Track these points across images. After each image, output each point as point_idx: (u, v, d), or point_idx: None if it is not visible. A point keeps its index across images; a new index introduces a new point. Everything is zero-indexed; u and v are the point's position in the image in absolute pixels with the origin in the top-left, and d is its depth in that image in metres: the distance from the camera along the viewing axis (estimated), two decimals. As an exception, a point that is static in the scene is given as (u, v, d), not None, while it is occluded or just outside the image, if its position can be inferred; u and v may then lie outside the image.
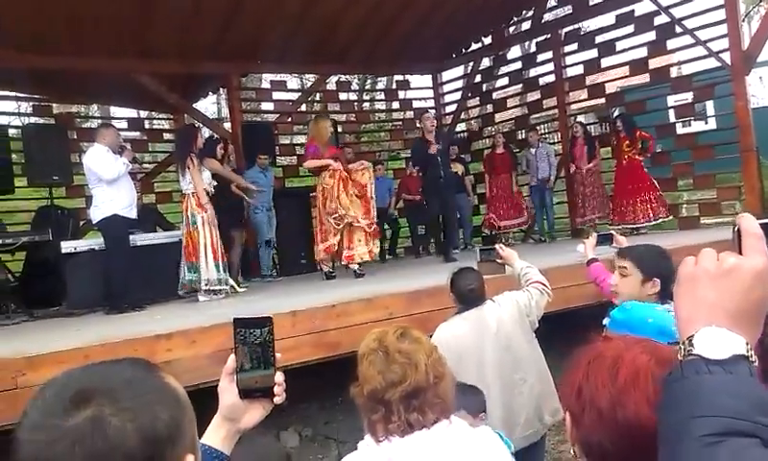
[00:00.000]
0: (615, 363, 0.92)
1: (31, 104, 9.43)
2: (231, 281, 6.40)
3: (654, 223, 8.13)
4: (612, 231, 3.91)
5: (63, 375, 0.76)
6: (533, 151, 9.11)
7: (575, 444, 0.95)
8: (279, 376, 1.06)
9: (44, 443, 0.69)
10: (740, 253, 0.74)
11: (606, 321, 1.70)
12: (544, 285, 3.19)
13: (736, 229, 0.75)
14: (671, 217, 8.34)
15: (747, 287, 0.72)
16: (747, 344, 0.71)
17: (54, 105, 9.47)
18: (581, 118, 9.64)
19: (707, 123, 9.94)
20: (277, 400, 1.06)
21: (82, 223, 8.01)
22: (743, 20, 10.08)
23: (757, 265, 0.72)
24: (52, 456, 0.68)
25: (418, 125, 7.31)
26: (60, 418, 0.70)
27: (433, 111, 11.05)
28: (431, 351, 1.66)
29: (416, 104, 11.88)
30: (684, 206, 9.46)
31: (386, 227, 9.36)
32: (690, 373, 0.70)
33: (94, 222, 5.79)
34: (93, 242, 6.24)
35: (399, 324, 1.84)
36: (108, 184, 5.53)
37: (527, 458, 2.93)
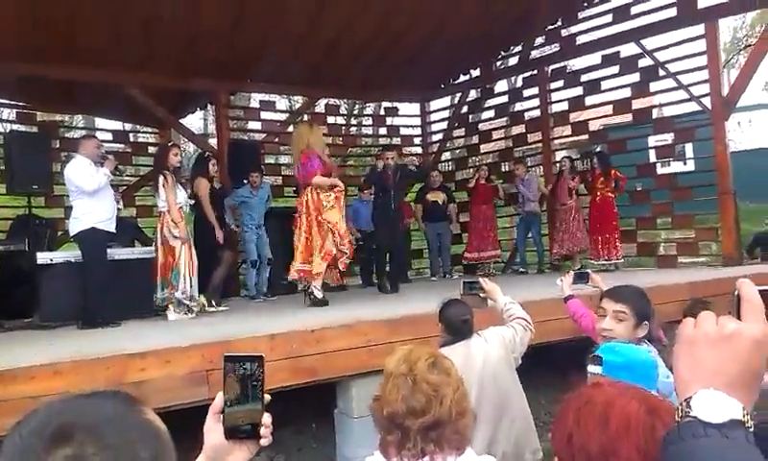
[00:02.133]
0: (606, 410, 0.93)
1: (14, 110, 9.33)
2: (203, 299, 6.33)
3: (608, 263, 8.23)
4: (588, 270, 3.96)
5: (43, 408, 0.73)
6: (521, 183, 9.20)
7: None
8: (267, 418, 1.04)
9: None
10: (739, 318, 0.76)
11: (594, 368, 1.69)
12: (528, 321, 3.20)
13: (736, 294, 0.77)
14: (621, 259, 8.43)
15: (745, 353, 0.73)
16: (744, 409, 0.72)
17: (38, 113, 9.38)
18: (564, 153, 9.79)
19: (685, 164, 10.16)
20: (263, 442, 1.04)
21: (59, 233, 7.90)
22: (723, 67, 10.36)
23: (756, 333, 0.74)
24: None
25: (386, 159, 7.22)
26: (38, 456, 0.67)
27: (419, 139, 11.18)
28: (458, 385, 1.64)
29: (403, 130, 11.99)
30: (662, 244, 9.60)
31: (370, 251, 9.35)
32: (687, 435, 0.71)
33: (72, 234, 5.70)
34: (69, 254, 6.15)
35: (431, 350, 1.80)
36: (89, 196, 5.47)
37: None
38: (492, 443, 2.94)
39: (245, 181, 7.95)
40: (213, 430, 1.04)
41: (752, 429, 0.71)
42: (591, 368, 1.69)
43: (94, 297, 5.47)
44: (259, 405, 1.03)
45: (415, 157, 9.11)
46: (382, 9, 8.35)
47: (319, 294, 5.90)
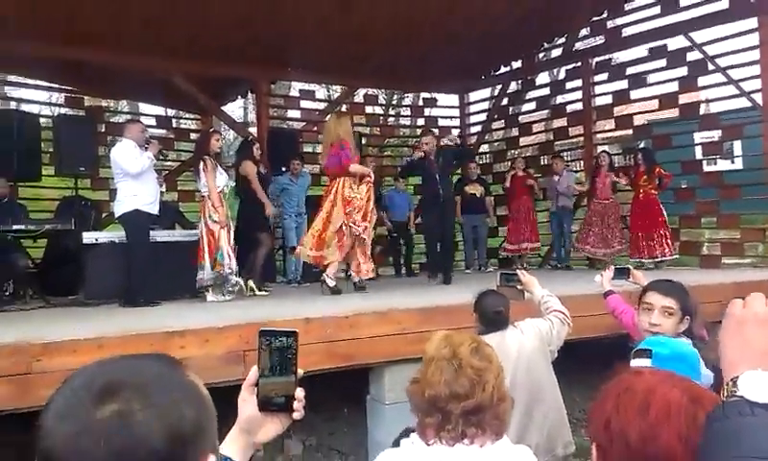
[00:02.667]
0: (647, 397, 0.92)
1: (63, 95, 9.62)
2: (251, 284, 6.46)
3: (660, 260, 8.04)
4: (629, 266, 3.89)
5: (93, 365, 0.76)
6: (556, 178, 9.08)
7: None
8: (300, 391, 1.05)
9: (70, 434, 0.68)
10: None
11: (642, 361, 1.65)
12: (565, 315, 3.16)
13: None
14: (676, 256, 8.21)
15: None
16: None
17: (85, 97, 9.65)
18: (605, 148, 9.59)
19: (733, 162, 9.85)
20: (296, 415, 1.06)
21: (104, 215, 8.13)
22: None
23: None
24: (77, 448, 0.67)
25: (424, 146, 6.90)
26: (86, 409, 0.69)
27: (457, 131, 11.10)
28: (499, 371, 1.65)
29: (441, 122, 11.92)
30: (706, 244, 9.33)
31: (402, 242, 9.37)
32: (733, 413, 0.70)
33: (117, 215, 5.86)
34: (114, 234, 6.32)
35: (472, 335, 1.82)
36: (133, 179, 5.61)
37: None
38: (525, 434, 2.93)
39: (284, 169, 8.04)
40: (247, 402, 1.06)
41: None
42: (639, 362, 1.65)
43: (137, 277, 5.62)
44: (293, 378, 1.04)
45: (456, 137, 8.91)
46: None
47: (331, 282, 5.93)
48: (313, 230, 6.07)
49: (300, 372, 1.05)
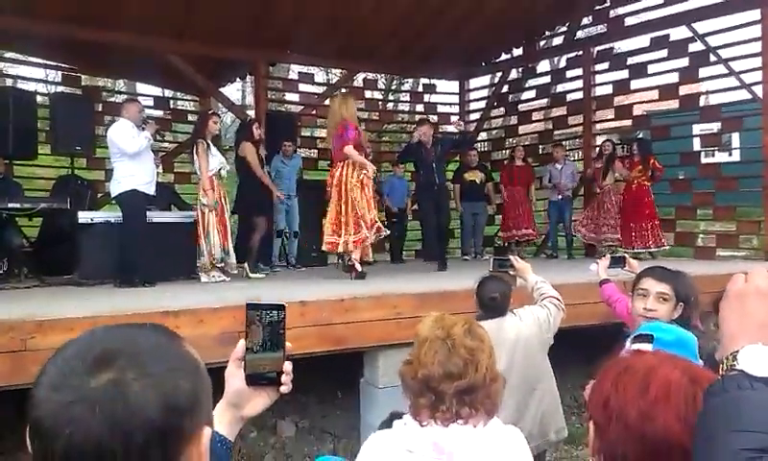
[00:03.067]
0: (647, 377, 0.91)
1: (60, 73, 9.54)
2: (246, 266, 6.45)
3: (652, 250, 8.05)
4: (624, 255, 3.90)
5: (86, 334, 0.74)
6: (558, 167, 9.06)
7: (596, 454, 0.94)
8: (288, 365, 1.04)
9: (64, 403, 0.67)
10: None
11: (643, 345, 1.64)
12: (559, 300, 3.17)
13: None
14: (666, 247, 8.21)
15: None
16: None
17: (82, 76, 9.57)
18: (611, 137, 9.54)
19: (730, 155, 9.85)
20: (284, 388, 1.04)
21: (100, 195, 8.10)
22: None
23: None
24: (70, 417, 0.66)
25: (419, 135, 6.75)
26: (81, 378, 0.68)
27: (457, 117, 11.05)
28: (491, 352, 1.66)
29: (440, 108, 11.88)
30: (701, 235, 9.35)
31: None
32: (732, 387, 0.70)
33: (113, 195, 5.82)
34: (109, 214, 6.30)
35: (466, 317, 1.82)
36: (130, 159, 5.57)
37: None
38: (519, 419, 2.95)
39: (278, 152, 7.99)
40: (234, 376, 1.04)
41: None
42: (639, 347, 1.64)
43: (131, 257, 5.60)
44: (281, 353, 1.03)
45: (460, 122, 8.78)
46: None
47: (358, 267, 5.83)
48: (327, 220, 5.90)
49: (289, 345, 1.04)
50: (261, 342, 1.03)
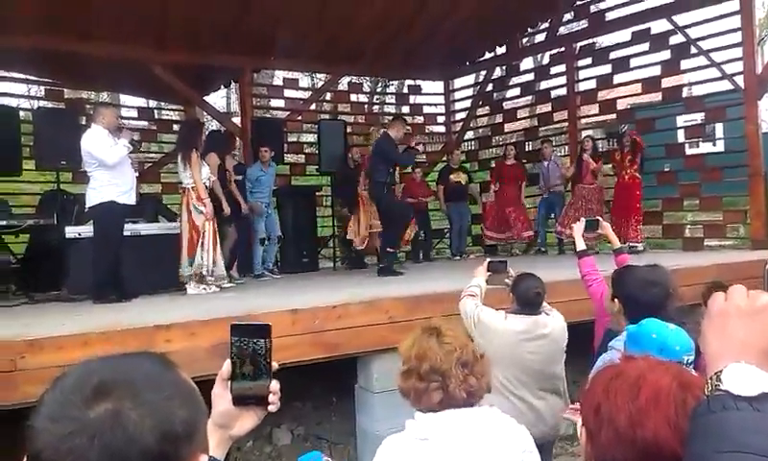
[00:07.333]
0: (637, 382, 0.92)
1: (42, 87, 9.46)
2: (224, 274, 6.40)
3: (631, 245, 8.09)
4: (598, 218, 3.96)
5: (82, 365, 0.75)
6: (545, 163, 9.08)
7: (588, 460, 0.94)
8: (275, 384, 1.04)
9: (63, 434, 0.68)
10: None
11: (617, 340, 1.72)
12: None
13: (767, 267, 0.76)
14: (640, 244, 8.23)
15: None
16: None
17: (65, 90, 9.49)
18: (589, 132, 9.61)
19: (715, 145, 9.92)
20: (272, 408, 1.04)
21: (86, 209, 8.02)
22: (758, 45, 10.05)
23: None
24: (69, 448, 0.67)
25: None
26: (79, 409, 0.69)
27: (443, 118, 11.08)
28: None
29: (426, 109, 11.89)
30: (689, 227, 9.43)
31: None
32: (717, 408, 0.70)
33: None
34: (96, 229, 6.23)
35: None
36: (108, 168, 5.31)
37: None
38: (544, 405, 3.12)
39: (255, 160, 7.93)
40: (221, 397, 1.04)
41: None
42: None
43: (104, 271, 5.34)
44: (266, 378, 1.02)
45: (418, 146, 9.06)
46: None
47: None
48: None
49: (275, 365, 1.04)
50: (246, 368, 1.02)
